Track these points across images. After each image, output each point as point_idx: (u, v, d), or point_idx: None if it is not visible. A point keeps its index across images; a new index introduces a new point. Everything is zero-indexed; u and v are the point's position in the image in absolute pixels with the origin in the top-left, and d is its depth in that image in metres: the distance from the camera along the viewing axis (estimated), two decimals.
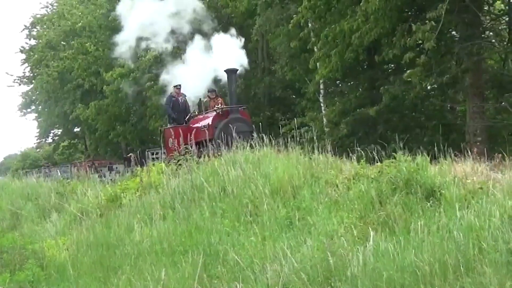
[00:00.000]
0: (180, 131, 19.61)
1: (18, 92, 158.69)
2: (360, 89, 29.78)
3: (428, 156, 10.81)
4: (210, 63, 22.44)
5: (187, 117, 21.81)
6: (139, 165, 18.87)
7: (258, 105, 38.46)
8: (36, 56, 56.24)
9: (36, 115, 66.85)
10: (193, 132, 19.45)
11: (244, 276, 8.13)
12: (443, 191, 9.48)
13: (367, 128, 27.01)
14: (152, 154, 20.58)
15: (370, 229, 8.68)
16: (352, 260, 7.69)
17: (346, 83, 32.27)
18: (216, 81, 23.57)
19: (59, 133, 66.14)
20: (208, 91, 22.41)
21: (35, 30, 60.15)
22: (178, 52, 33.07)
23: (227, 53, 21.75)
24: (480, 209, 8.30)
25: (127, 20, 28.47)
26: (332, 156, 12.82)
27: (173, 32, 28.61)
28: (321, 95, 31.45)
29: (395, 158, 10.74)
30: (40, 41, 56.86)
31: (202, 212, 11.08)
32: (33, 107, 66.24)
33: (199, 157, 15.09)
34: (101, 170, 29.32)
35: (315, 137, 14.24)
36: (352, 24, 22.78)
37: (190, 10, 27.32)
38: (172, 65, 27.53)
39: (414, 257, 7.38)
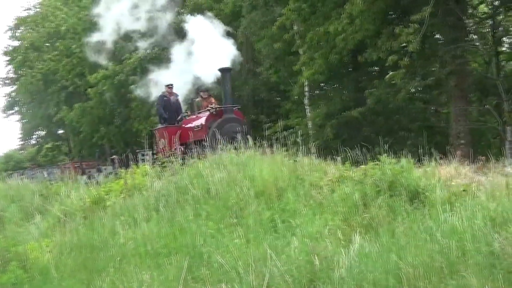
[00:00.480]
0: (172, 131, 19.48)
1: (1, 94, 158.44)
2: (345, 92, 29.81)
3: (413, 158, 10.85)
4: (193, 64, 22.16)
5: (179, 117, 21.42)
6: (123, 167, 18.72)
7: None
8: (19, 57, 56.06)
9: (20, 116, 66.71)
10: (186, 132, 19.33)
11: (229, 278, 8.13)
12: (427, 194, 9.53)
13: (351, 130, 27.04)
14: (143, 155, 20.10)
15: (354, 231, 8.70)
16: (337, 262, 7.70)
17: (331, 86, 32.33)
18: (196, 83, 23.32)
19: (43, 134, 65.98)
20: (201, 91, 22.05)
21: (19, 31, 59.97)
22: (162, 54, 33.07)
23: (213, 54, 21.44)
24: (464, 212, 8.34)
25: (105, 20, 28.32)
26: (316, 158, 12.85)
27: (153, 34, 28.66)
28: (306, 98, 31.46)
29: (379, 160, 10.78)
30: (24, 42, 56.69)
31: (186, 214, 11.03)
32: (16, 109, 66.10)
33: (183, 158, 14.97)
34: (89, 172, 29.06)
35: (299, 140, 14.26)
36: (337, 27, 22.81)
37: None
38: (157, 67, 27.40)
39: (398, 259, 7.40)
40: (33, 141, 70.23)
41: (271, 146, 13.94)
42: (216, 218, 10.58)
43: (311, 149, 13.14)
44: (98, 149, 50.97)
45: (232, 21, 35.90)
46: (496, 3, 24.53)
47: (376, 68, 29.23)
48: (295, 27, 28.66)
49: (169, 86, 21.89)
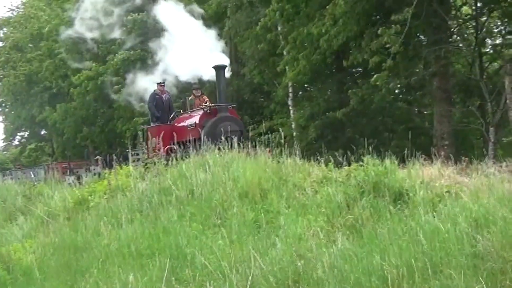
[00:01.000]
0: (165, 130, 19.07)
1: None
2: (329, 93, 29.87)
3: (396, 159, 10.89)
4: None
5: (172, 116, 20.87)
6: (108, 168, 18.53)
7: None
8: (2, 58, 55.86)
9: (3, 117, 66.48)
10: (179, 131, 18.90)
11: (212, 279, 8.11)
12: (410, 195, 9.56)
13: (335, 132, 27.14)
14: (133, 155, 19.55)
15: (337, 232, 8.71)
16: (320, 263, 7.70)
17: (315, 87, 32.38)
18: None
19: (26, 135, 65.78)
20: (193, 89, 21.59)
21: (2, 32, 59.76)
22: (146, 55, 33.09)
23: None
24: (447, 213, 8.38)
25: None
26: (300, 159, 12.86)
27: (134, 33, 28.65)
28: (289, 99, 31.51)
29: (363, 161, 10.80)
30: (7, 42, 56.50)
31: (170, 215, 11.02)
32: None
33: (170, 159, 14.74)
34: (77, 172, 28.85)
35: (283, 141, 14.26)
36: (320, 28, 22.83)
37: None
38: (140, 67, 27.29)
39: (381, 260, 7.41)
40: (16, 142, 70.01)
41: (255, 147, 13.92)
42: (200, 219, 10.56)
43: (295, 150, 13.13)
44: (85, 149, 50.95)
45: (216, 22, 35.95)
46: (479, 4, 24.65)
47: (359, 69, 29.31)
48: (279, 28, 28.68)
49: (161, 84, 21.32)
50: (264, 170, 11.92)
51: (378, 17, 25.03)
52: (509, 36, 22.66)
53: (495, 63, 24.90)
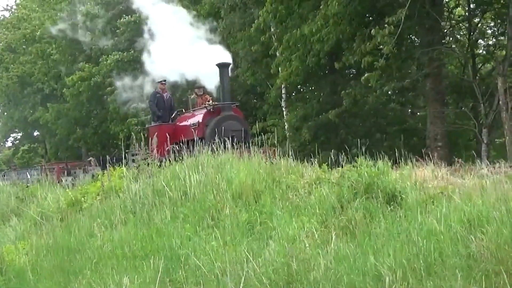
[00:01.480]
0: (167, 129, 18.81)
1: None
2: (322, 94, 29.91)
3: (390, 160, 10.90)
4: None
5: (173, 115, 20.43)
6: (101, 169, 18.39)
7: None
8: None
9: None
10: (181, 130, 18.74)
11: (206, 281, 8.11)
12: (403, 196, 9.57)
13: (328, 133, 27.17)
14: (132, 155, 19.11)
15: (331, 233, 8.71)
16: (314, 264, 7.70)
17: (308, 88, 32.43)
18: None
19: (19, 137, 65.73)
20: (195, 88, 21.20)
21: None
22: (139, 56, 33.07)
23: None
24: (441, 214, 8.38)
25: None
26: (293, 160, 12.87)
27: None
28: (283, 100, 31.53)
29: (356, 162, 10.81)
30: None
31: (163, 216, 11.02)
32: None
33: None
34: (74, 172, 28.72)
35: (276, 142, 14.27)
36: (312, 28, 22.82)
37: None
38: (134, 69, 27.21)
39: (375, 261, 7.42)
40: (9, 143, 69.98)
41: (248, 148, 13.90)
42: (193, 220, 10.55)
43: (288, 151, 13.13)
44: (78, 150, 50.96)
45: (209, 23, 35.93)
46: (472, 5, 24.73)
47: (353, 70, 29.35)
48: (272, 29, 28.69)
49: (162, 82, 20.82)
50: (257, 172, 11.91)
51: (370, 18, 25.10)
52: (501, 37, 22.72)
53: (488, 65, 24.97)
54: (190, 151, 14.44)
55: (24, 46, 53.08)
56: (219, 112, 18.46)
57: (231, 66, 19.98)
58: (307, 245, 8.40)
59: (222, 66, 18.96)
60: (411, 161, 11.29)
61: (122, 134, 38.16)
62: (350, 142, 23.77)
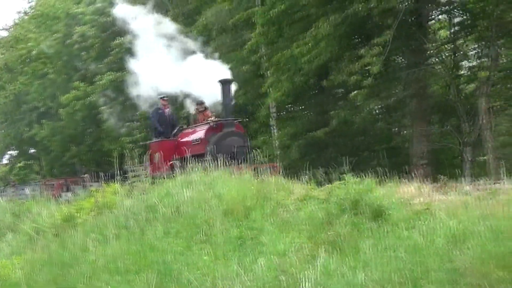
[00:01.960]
0: (168, 145, 18.86)
1: None
2: (311, 114, 30.08)
3: (377, 177, 11.08)
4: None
5: (175, 131, 20.24)
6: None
7: None
8: None
9: None
10: (183, 146, 18.32)
11: None
12: (390, 212, 9.73)
13: (317, 151, 27.29)
14: (132, 171, 18.93)
15: (320, 248, 8.89)
16: (303, 278, 7.89)
17: (298, 107, 32.57)
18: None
19: (15, 154, 65.72)
20: (197, 104, 20.70)
21: None
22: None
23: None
24: (426, 229, 8.59)
25: None
26: (283, 178, 13.03)
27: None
28: (273, 119, 31.63)
29: (344, 180, 10.99)
30: None
31: (156, 232, 11.16)
32: None
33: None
34: (73, 188, 28.59)
35: (265, 160, 14.44)
36: (302, 48, 23.02)
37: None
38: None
39: (363, 275, 7.61)
40: (5, 161, 69.77)
41: (239, 165, 14.02)
42: (185, 235, 10.71)
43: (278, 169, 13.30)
44: (72, 167, 50.93)
45: (202, 44, 36.12)
46: (456, 28, 25.07)
47: (341, 90, 29.53)
48: (262, 50, 28.88)
49: (164, 98, 20.73)
50: (248, 188, 12.06)
51: (359, 39, 25.39)
52: (484, 59, 22.98)
53: (471, 85, 25.21)
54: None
55: (21, 66, 53.07)
56: (221, 128, 18.31)
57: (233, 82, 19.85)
58: (296, 260, 8.58)
59: (224, 83, 18.91)
60: (398, 178, 11.47)
61: (116, 152, 38.20)
62: (338, 160, 23.94)
